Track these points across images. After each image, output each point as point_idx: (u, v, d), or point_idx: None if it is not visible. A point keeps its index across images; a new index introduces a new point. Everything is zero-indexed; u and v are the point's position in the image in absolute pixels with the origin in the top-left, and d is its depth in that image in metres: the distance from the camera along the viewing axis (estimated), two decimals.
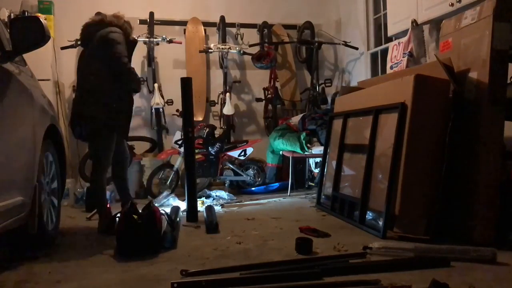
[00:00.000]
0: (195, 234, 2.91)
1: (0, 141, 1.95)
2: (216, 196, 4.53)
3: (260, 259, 2.21)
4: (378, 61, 5.27)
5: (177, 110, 5.27)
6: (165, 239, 2.52)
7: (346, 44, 5.43)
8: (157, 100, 5.13)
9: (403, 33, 4.08)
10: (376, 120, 2.92)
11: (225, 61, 5.49)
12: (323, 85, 5.51)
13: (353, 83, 5.45)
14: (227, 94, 5.34)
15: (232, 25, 5.70)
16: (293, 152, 4.60)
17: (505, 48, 2.43)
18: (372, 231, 2.70)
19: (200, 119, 5.42)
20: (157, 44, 5.26)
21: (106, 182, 3.17)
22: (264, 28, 5.67)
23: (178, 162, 4.67)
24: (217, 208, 3.85)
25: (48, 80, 4.62)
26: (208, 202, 4.20)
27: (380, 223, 2.65)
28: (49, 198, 2.67)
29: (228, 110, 5.28)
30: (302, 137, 4.54)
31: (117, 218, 2.66)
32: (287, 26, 5.91)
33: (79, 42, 3.23)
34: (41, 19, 2.24)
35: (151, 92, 5.30)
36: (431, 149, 2.56)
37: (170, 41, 5.17)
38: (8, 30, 2.28)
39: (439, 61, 2.63)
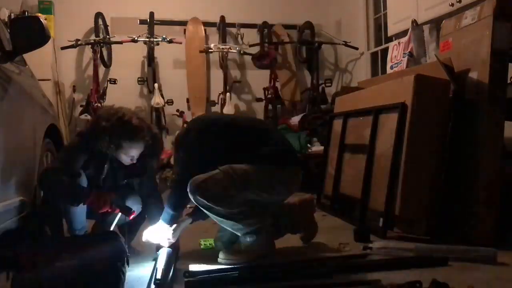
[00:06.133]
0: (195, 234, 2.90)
1: (0, 141, 1.95)
2: None
3: (261, 259, 2.20)
4: (378, 61, 5.27)
5: (177, 110, 5.27)
6: None
7: (346, 44, 5.42)
8: (157, 100, 5.12)
9: (403, 33, 4.08)
10: (376, 120, 2.91)
11: (225, 61, 5.49)
12: (323, 85, 5.50)
13: (353, 83, 5.45)
14: (227, 94, 5.33)
15: (232, 25, 5.69)
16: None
17: (505, 48, 2.42)
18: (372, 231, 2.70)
19: None
20: (157, 44, 5.24)
21: None
22: (264, 28, 5.66)
23: None
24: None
25: (48, 80, 4.61)
26: None
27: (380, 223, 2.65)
28: None
29: (228, 110, 5.27)
30: (302, 137, 4.53)
31: None
32: (287, 26, 5.90)
33: None
34: (41, 19, 2.23)
35: (151, 92, 5.29)
36: (431, 149, 2.56)
37: (170, 41, 5.16)
38: (8, 30, 2.28)
39: (439, 61, 2.63)
